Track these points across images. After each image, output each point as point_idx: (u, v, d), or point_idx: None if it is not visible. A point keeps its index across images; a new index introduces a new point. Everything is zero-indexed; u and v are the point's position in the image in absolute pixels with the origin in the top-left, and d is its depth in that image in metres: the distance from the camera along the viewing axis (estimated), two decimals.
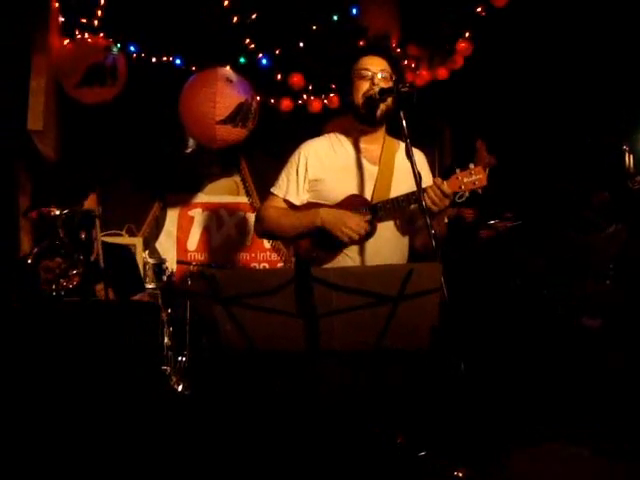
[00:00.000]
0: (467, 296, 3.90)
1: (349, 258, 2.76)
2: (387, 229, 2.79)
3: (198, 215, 5.63)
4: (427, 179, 2.72)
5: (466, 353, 2.28)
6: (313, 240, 2.78)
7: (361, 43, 4.33)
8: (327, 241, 2.74)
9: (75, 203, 3.12)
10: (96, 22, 4.55)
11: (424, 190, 2.55)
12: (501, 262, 4.47)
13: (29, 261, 2.87)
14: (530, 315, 4.29)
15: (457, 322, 2.27)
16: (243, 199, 5.67)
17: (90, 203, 3.33)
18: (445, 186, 2.61)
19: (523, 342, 4.08)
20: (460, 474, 2.40)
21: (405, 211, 2.78)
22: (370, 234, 2.74)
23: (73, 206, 3.03)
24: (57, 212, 2.90)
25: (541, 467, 2.48)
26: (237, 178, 5.68)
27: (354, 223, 2.68)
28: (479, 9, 4.76)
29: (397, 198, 2.72)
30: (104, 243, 3.61)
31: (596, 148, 4.86)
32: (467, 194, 2.71)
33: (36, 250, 2.88)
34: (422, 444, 2.61)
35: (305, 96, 5.11)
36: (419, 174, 2.46)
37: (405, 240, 2.88)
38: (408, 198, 2.69)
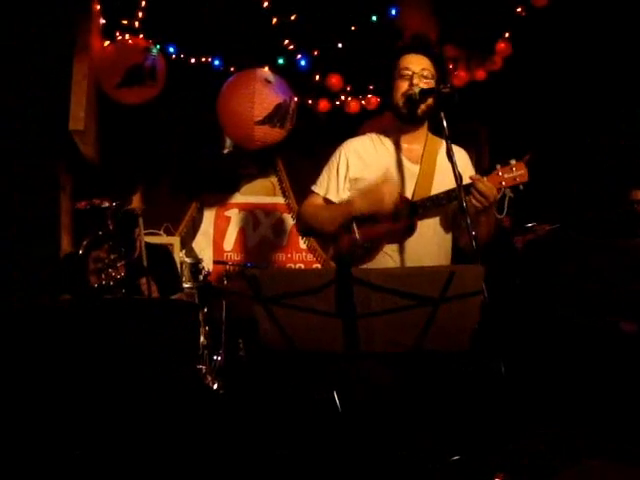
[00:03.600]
0: (505, 300, 3.86)
1: (389, 257, 2.74)
2: (429, 228, 2.76)
3: (234, 215, 5.66)
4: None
5: (506, 356, 2.25)
6: (354, 236, 2.76)
7: (400, 43, 4.32)
8: (367, 224, 2.73)
9: (123, 197, 3.14)
10: (136, 23, 4.59)
11: (466, 188, 2.53)
12: (539, 266, 4.42)
13: (80, 252, 2.90)
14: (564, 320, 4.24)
15: (497, 325, 2.25)
16: (279, 200, 5.69)
17: (135, 202, 3.36)
18: (485, 182, 2.57)
19: (558, 347, 4.03)
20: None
21: (445, 209, 2.75)
22: (409, 232, 2.72)
23: (121, 200, 3.06)
24: (107, 204, 2.94)
25: None
26: (273, 179, 5.70)
27: (387, 193, 2.64)
28: (519, 9, 4.72)
29: (437, 195, 2.70)
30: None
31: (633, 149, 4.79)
32: (506, 209, 2.68)
33: (86, 242, 2.90)
34: (459, 448, 2.59)
35: (343, 97, 5.10)
36: (460, 175, 2.44)
37: (448, 240, 2.84)
38: (448, 195, 2.66)
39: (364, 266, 2.72)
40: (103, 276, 2.93)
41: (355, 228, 2.75)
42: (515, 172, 2.65)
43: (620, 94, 4.90)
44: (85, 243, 2.93)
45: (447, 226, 2.82)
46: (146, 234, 4.67)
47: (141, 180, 3.42)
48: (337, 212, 2.79)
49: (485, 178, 2.60)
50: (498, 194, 2.62)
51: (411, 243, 2.73)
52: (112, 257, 2.96)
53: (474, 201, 2.56)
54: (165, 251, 3.84)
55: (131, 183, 3.30)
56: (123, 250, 3.00)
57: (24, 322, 2.60)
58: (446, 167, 2.56)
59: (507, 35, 4.88)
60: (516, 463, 2.51)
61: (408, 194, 2.77)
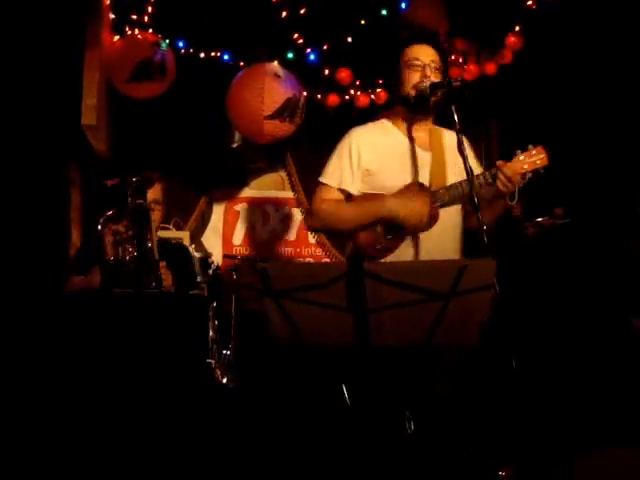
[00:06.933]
0: (514, 292, 3.84)
1: (410, 247, 2.71)
2: (449, 218, 2.76)
3: (243, 210, 5.65)
4: (472, 163, 2.62)
5: (518, 350, 2.25)
6: (376, 231, 2.73)
7: (404, 33, 4.33)
8: (392, 230, 2.71)
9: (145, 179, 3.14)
10: (146, 18, 4.60)
11: (493, 174, 2.61)
12: (546, 259, 4.39)
13: (99, 227, 2.91)
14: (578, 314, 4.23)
15: (508, 318, 2.24)
16: (288, 194, 5.68)
17: (156, 193, 3.41)
18: (511, 167, 2.60)
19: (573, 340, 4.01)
20: (504, 474, 2.38)
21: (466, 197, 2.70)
22: (434, 220, 2.69)
23: (143, 178, 3.06)
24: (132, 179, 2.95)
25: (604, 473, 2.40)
26: (283, 173, 5.69)
27: (419, 208, 2.65)
28: (530, 2, 4.70)
29: (461, 183, 2.67)
30: (162, 240, 3.67)
31: None
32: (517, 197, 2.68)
33: (104, 216, 2.91)
34: (467, 443, 2.59)
35: (352, 91, 5.09)
36: (471, 169, 2.45)
37: (460, 226, 2.85)
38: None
39: (388, 258, 2.70)
40: (119, 249, 2.93)
41: (380, 229, 2.73)
42: (535, 156, 2.65)
43: (632, 88, 4.86)
44: (103, 217, 2.93)
45: (460, 214, 2.84)
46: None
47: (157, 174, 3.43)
48: (364, 212, 2.74)
49: (508, 164, 2.62)
50: (522, 179, 2.64)
51: (433, 232, 2.71)
52: (130, 233, 2.96)
53: (501, 186, 2.60)
54: (181, 248, 3.85)
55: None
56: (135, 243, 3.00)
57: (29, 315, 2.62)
58: (453, 155, 2.60)
59: (517, 29, 4.86)
60: (522, 457, 2.51)
61: (425, 182, 2.76)
